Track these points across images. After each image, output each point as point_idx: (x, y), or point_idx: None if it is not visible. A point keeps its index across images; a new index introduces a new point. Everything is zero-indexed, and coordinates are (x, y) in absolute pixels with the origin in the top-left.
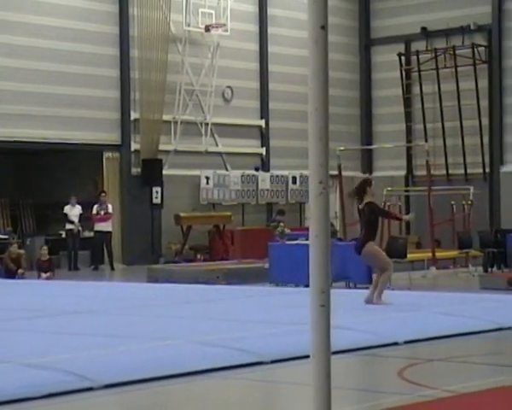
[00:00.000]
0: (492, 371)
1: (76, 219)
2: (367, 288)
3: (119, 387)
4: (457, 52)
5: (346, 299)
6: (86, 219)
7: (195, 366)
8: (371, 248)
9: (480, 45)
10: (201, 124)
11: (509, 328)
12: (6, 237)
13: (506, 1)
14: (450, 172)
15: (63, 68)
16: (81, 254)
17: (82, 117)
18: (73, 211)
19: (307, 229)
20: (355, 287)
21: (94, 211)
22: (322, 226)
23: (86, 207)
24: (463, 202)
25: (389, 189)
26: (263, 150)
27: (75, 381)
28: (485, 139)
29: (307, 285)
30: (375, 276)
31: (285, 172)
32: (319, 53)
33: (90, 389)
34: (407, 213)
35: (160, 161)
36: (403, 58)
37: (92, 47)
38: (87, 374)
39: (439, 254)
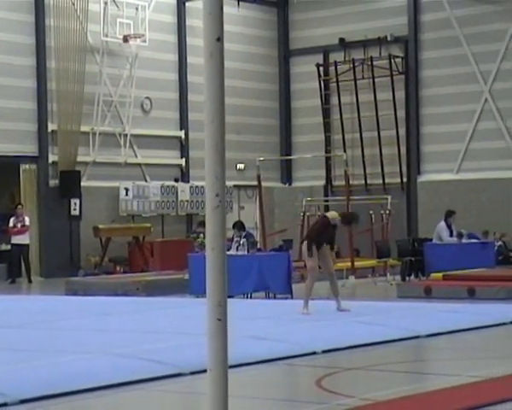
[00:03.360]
0: (409, 379)
1: None
2: (286, 298)
3: (35, 402)
4: (375, 63)
5: (265, 309)
6: (3, 231)
7: (113, 379)
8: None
9: (397, 56)
10: (120, 135)
11: (426, 336)
12: None
13: (422, 13)
14: (368, 181)
15: None
16: None
17: None
18: None
19: (228, 240)
20: (274, 297)
21: (10, 224)
22: (218, 239)
23: (2, 219)
24: (381, 212)
25: (308, 199)
26: (182, 161)
27: None
28: (403, 149)
29: (229, 296)
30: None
31: (205, 183)
32: (215, 65)
33: (4, 404)
34: None
35: (79, 172)
36: (321, 69)
37: (8, 57)
38: (1, 389)
39: (357, 264)
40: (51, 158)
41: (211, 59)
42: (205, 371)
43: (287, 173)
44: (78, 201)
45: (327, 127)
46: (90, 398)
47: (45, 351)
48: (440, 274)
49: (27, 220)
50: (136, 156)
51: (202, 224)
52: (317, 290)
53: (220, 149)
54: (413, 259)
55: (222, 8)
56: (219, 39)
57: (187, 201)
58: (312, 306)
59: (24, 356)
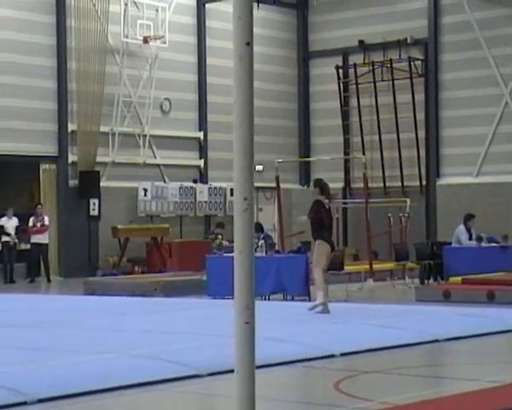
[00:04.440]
0: (428, 383)
1: (12, 232)
2: (304, 300)
3: (53, 401)
4: (394, 65)
5: (282, 311)
6: (22, 231)
7: (131, 380)
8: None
9: (417, 59)
10: (139, 136)
11: (444, 340)
12: None
13: (442, 16)
14: (387, 184)
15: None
16: (17, 267)
17: (18, 128)
18: (10, 223)
19: None
20: (292, 299)
21: (30, 223)
22: (246, 242)
23: (22, 219)
24: (400, 215)
25: (327, 201)
26: (201, 162)
27: (8, 395)
28: (422, 152)
29: None
30: None
31: (223, 185)
32: (244, 68)
33: (23, 403)
34: (344, 225)
35: (98, 172)
36: (340, 71)
37: (29, 58)
38: (21, 388)
39: (376, 267)
40: (71, 158)
41: (240, 63)
42: (223, 372)
43: (305, 175)
44: (97, 201)
45: (346, 129)
46: (108, 398)
47: (63, 351)
48: (459, 278)
49: (47, 220)
50: (154, 157)
51: (221, 225)
52: (335, 293)
53: (249, 152)
54: (432, 262)
55: (252, 13)
56: (249, 44)
57: (205, 202)
58: (330, 308)
59: (42, 356)
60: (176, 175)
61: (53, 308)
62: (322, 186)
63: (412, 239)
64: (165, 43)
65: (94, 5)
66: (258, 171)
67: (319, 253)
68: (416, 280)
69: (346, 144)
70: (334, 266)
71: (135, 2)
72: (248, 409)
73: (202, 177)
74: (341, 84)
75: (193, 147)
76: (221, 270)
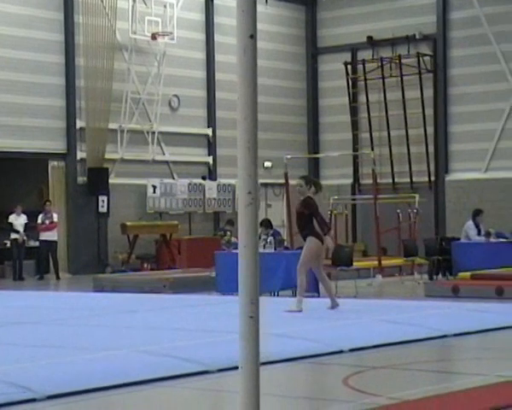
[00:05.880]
0: (437, 378)
1: (21, 229)
2: (313, 296)
3: (62, 398)
4: (403, 61)
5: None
6: (31, 228)
7: (140, 376)
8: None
9: (426, 55)
10: (148, 132)
11: (453, 335)
12: None
13: (451, 11)
14: (395, 180)
15: (7, 76)
16: (26, 264)
17: (27, 125)
18: (19, 220)
19: None
20: None
21: (39, 220)
22: (250, 237)
23: (31, 216)
24: (409, 211)
25: (336, 197)
26: (210, 159)
27: (18, 392)
28: (431, 148)
29: None
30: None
31: (232, 181)
32: (248, 62)
33: (32, 400)
34: (353, 221)
35: (107, 169)
36: (349, 67)
37: (37, 55)
38: (30, 385)
39: (385, 262)
40: (79, 155)
41: (244, 56)
42: (232, 368)
43: (314, 171)
44: (105, 198)
45: (354, 125)
46: (117, 395)
47: (72, 348)
48: (468, 273)
49: (55, 217)
50: (163, 154)
51: (230, 222)
52: (344, 289)
53: (253, 147)
54: (440, 258)
55: (255, 5)
56: (252, 36)
57: (214, 199)
58: (339, 304)
59: (51, 352)
60: (184, 172)
61: (62, 305)
62: (314, 182)
63: (421, 235)
64: (173, 39)
65: (102, 1)
66: (267, 167)
67: (311, 253)
68: (425, 276)
69: (355, 140)
70: (344, 261)
71: None
72: (253, 404)
73: (211, 174)
74: (350, 81)
75: (201, 144)
76: (230, 266)
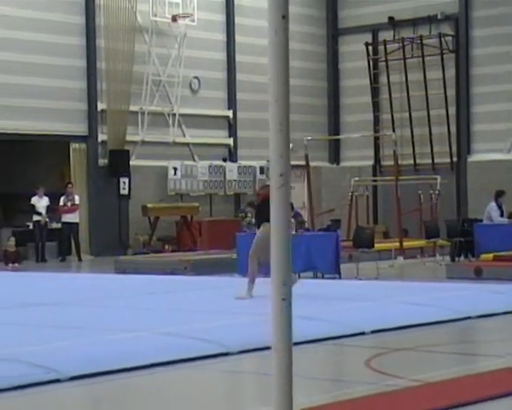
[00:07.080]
0: (459, 360)
1: (43, 211)
2: (334, 278)
3: (85, 379)
4: (424, 42)
5: (313, 289)
6: (53, 210)
7: (161, 358)
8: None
9: (447, 35)
10: (169, 115)
11: (476, 317)
12: None
13: None
14: (417, 161)
15: (29, 59)
16: (48, 246)
17: (48, 108)
18: (41, 202)
19: None
20: (322, 277)
21: (61, 202)
22: (282, 218)
23: (53, 198)
24: (431, 192)
25: (356, 179)
26: (230, 141)
27: (41, 373)
28: (453, 129)
29: None
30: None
31: (253, 163)
32: (279, 43)
33: (56, 380)
34: (374, 202)
35: (128, 151)
36: (370, 48)
37: (58, 37)
38: (53, 366)
39: (406, 244)
40: (101, 137)
41: (275, 37)
42: (252, 350)
43: (335, 153)
44: (127, 180)
45: (375, 107)
46: (138, 376)
47: (94, 329)
48: (491, 255)
49: (77, 199)
50: (184, 136)
51: (252, 204)
52: (365, 271)
53: (285, 129)
54: (462, 239)
55: None
56: (284, 17)
57: (235, 180)
58: (357, 286)
59: (74, 334)
60: (205, 154)
61: (84, 287)
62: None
63: (443, 216)
64: (193, 21)
65: None
66: None
67: (268, 239)
68: (447, 257)
69: (376, 122)
70: (365, 243)
71: None
72: (286, 386)
73: (231, 155)
74: (371, 61)
75: (222, 125)
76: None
